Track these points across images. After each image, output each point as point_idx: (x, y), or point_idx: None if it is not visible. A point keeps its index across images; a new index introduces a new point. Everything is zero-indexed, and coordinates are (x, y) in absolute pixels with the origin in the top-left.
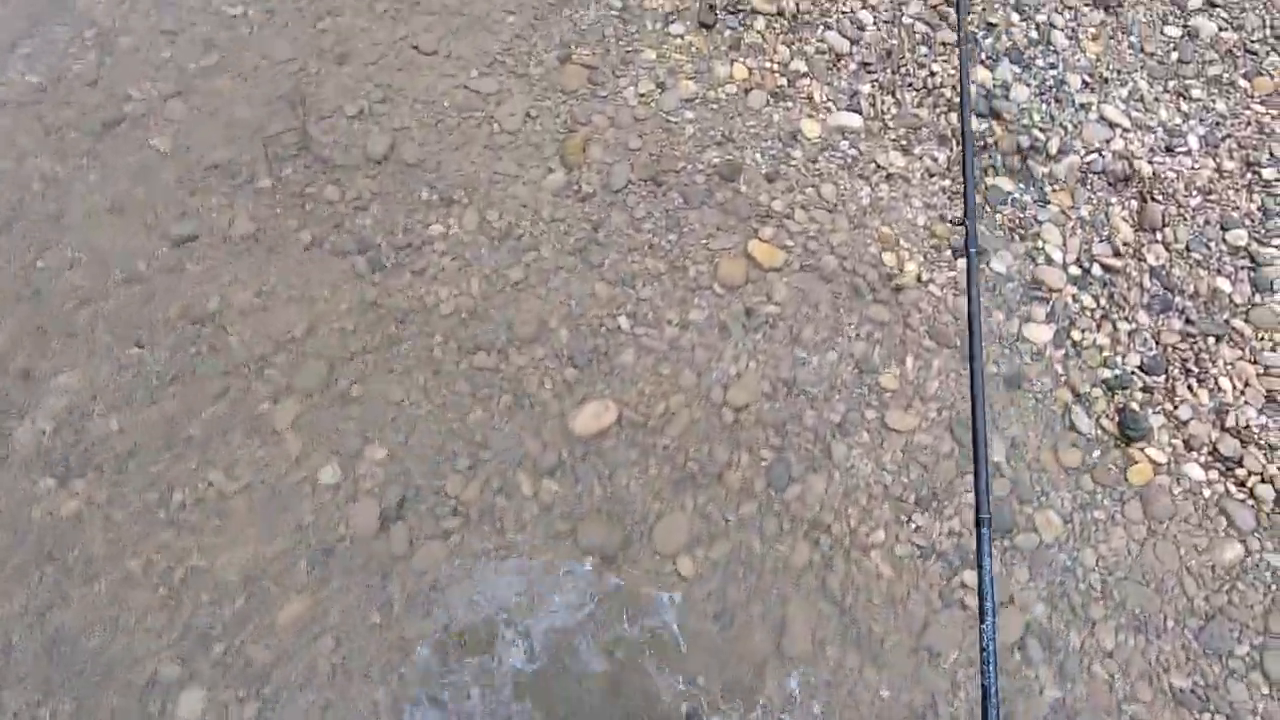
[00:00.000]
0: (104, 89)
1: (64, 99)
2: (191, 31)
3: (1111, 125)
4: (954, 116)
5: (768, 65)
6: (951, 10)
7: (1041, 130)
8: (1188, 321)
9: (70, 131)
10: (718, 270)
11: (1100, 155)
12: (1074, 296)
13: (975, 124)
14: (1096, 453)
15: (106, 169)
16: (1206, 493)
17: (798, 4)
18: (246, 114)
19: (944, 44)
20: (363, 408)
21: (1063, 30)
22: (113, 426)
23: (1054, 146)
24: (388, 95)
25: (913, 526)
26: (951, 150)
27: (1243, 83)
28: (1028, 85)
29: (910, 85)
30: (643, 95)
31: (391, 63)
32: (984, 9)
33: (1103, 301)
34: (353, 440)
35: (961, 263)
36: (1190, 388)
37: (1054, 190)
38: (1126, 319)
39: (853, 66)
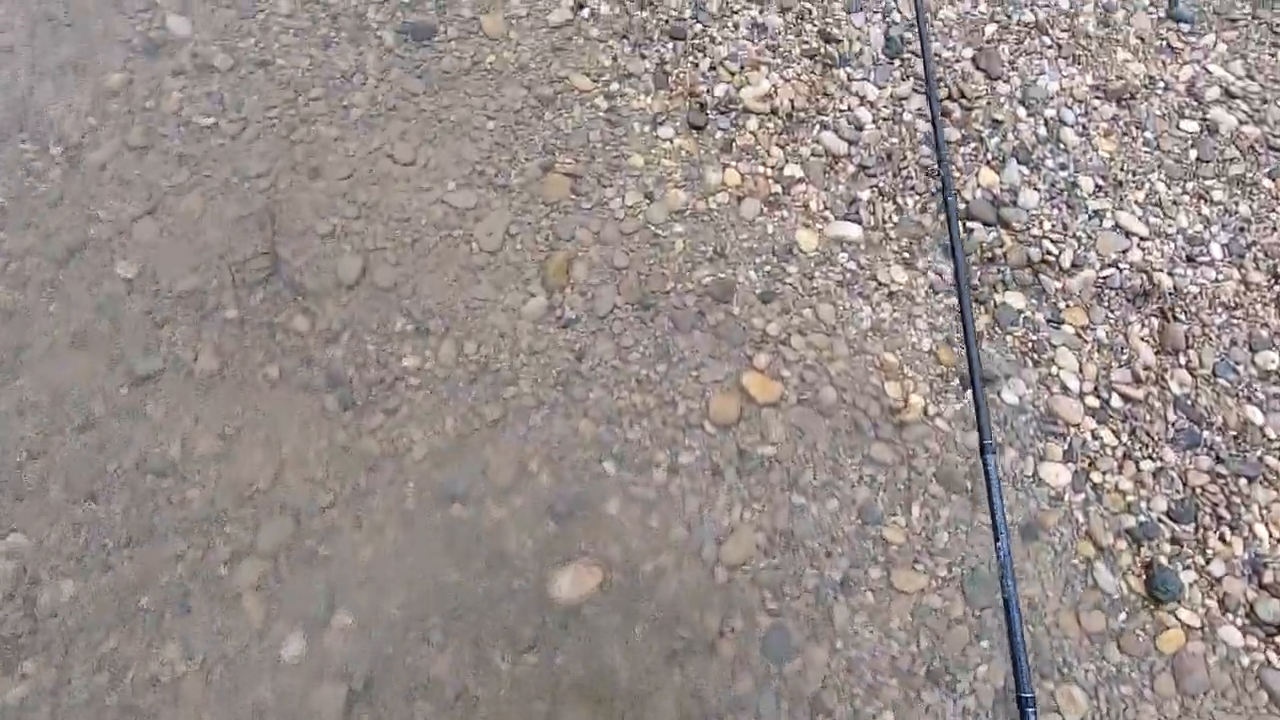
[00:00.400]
0: (69, 209)
1: (26, 221)
2: (163, 145)
3: (1128, 234)
4: (959, 224)
5: (761, 170)
6: (956, 106)
7: (1053, 241)
8: (1217, 459)
9: (31, 258)
10: (709, 406)
11: (1117, 269)
12: (1093, 432)
13: (982, 233)
14: (1123, 616)
15: (70, 299)
16: (1244, 661)
17: (792, 102)
18: (216, 236)
19: (948, 142)
20: (330, 570)
21: (1073, 126)
22: (64, 595)
23: (1067, 259)
24: (362, 212)
25: (923, 706)
26: (957, 261)
27: (1267, 183)
28: (1037, 189)
29: (913, 189)
30: (630, 207)
31: (365, 176)
32: (989, 104)
33: (1124, 437)
34: (320, 606)
35: (971, 393)
36: (1223, 537)
37: (1068, 307)
38: (1151, 457)
39: (851, 169)
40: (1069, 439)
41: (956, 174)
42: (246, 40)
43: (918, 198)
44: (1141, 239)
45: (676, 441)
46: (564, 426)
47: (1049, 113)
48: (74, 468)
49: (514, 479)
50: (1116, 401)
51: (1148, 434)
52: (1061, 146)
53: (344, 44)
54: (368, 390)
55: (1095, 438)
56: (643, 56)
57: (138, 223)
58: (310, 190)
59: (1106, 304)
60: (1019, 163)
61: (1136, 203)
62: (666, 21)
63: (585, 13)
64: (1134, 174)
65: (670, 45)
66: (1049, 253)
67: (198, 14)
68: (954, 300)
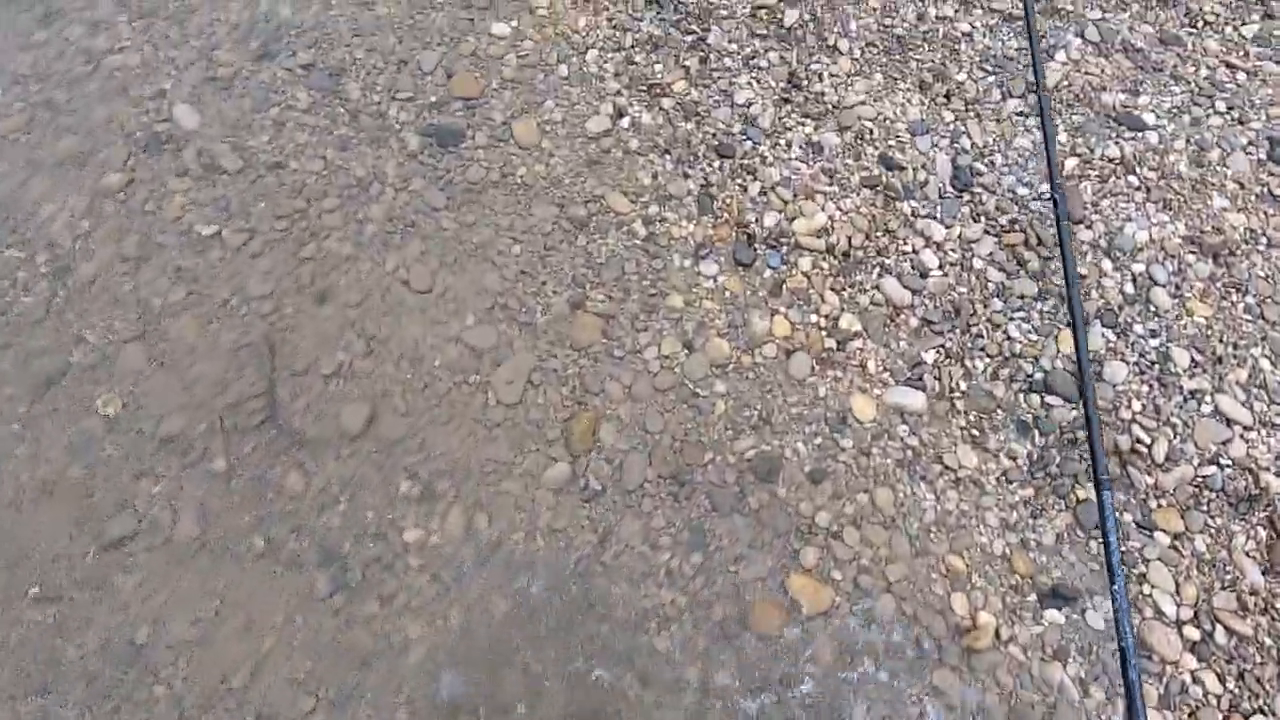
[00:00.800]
0: (53, 328)
1: (5, 341)
2: (160, 258)
3: (1229, 421)
4: (1036, 397)
5: (814, 320)
6: (1031, 255)
7: (1145, 427)
8: None
9: (5, 387)
10: (750, 613)
11: (1218, 465)
12: (1194, 674)
13: (1063, 411)
14: None
15: (42, 439)
16: None
17: (850, 239)
18: (209, 369)
19: (1022, 297)
20: None
21: (1165, 286)
22: None
23: (1161, 450)
24: (371, 347)
25: None
26: (1034, 444)
27: None
28: (1125, 361)
29: (983, 350)
30: (666, 358)
31: (378, 304)
32: (1059, 264)
33: (1230, 683)
34: None
35: (1051, 613)
36: None
37: (1160, 508)
38: (1263, 709)
39: (914, 323)
40: (1165, 679)
41: (1033, 337)
42: (259, 137)
43: (988, 361)
44: (1245, 428)
45: (710, 656)
46: (582, 629)
47: (1137, 267)
48: (26, 651)
49: (523, 692)
50: (1221, 635)
51: (1259, 680)
52: (1152, 309)
53: (363, 146)
54: (363, 569)
55: (1196, 681)
56: (686, 175)
57: (126, 348)
58: (316, 318)
59: (1206, 508)
60: (1104, 326)
61: (1238, 383)
62: (714, 135)
63: (625, 122)
64: (1234, 347)
65: (717, 164)
66: (1139, 440)
67: (208, 104)
68: (1029, 493)
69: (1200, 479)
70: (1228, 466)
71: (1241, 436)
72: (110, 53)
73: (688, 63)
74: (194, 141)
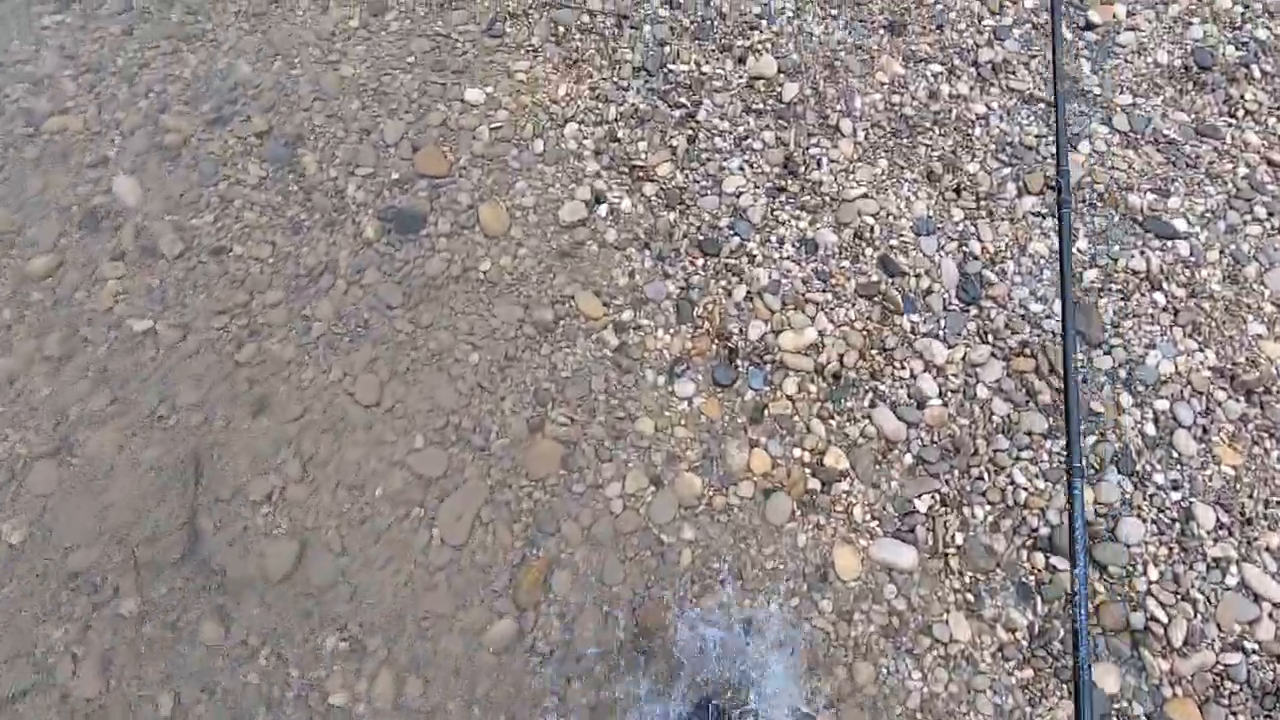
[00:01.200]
0: None
1: None
2: (84, 356)
3: (1257, 598)
4: (1040, 555)
5: (797, 454)
6: (1042, 385)
7: (1161, 602)
8: None
9: None
10: None
11: (1242, 652)
12: None
13: (1069, 576)
14: None
15: None
16: None
17: (841, 358)
18: (128, 490)
19: (1030, 434)
20: None
21: (1190, 429)
22: None
23: (1179, 633)
24: (308, 470)
25: None
26: (1036, 613)
27: None
28: (1143, 517)
29: (983, 496)
30: (631, 496)
31: (318, 419)
32: (1085, 385)
33: None
34: None
35: None
36: None
37: (1175, 698)
38: None
39: (908, 461)
40: None
41: (1039, 484)
42: (203, 216)
43: (988, 509)
44: (1275, 605)
45: None
46: None
47: (1160, 405)
48: None
49: None
50: None
51: None
52: (1175, 456)
53: (316, 230)
54: None
55: None
56: (666, 275)
57: (37, 465)
58: (249, 432)
59: (1227, 701)
60: (1120, 473)
61: (1268, 550)
62: (698, 229)
63: (603, 209)
64: (1266, 505)
65: (700, 262)
66: (1155, 618)
67: (151, 176)
68: (1028, 674)
69: (1222, 667)
70: (1254, 653)
71: (1270, 616)
72: (53, 114)
73: (675, 141)
74: (133, 219)
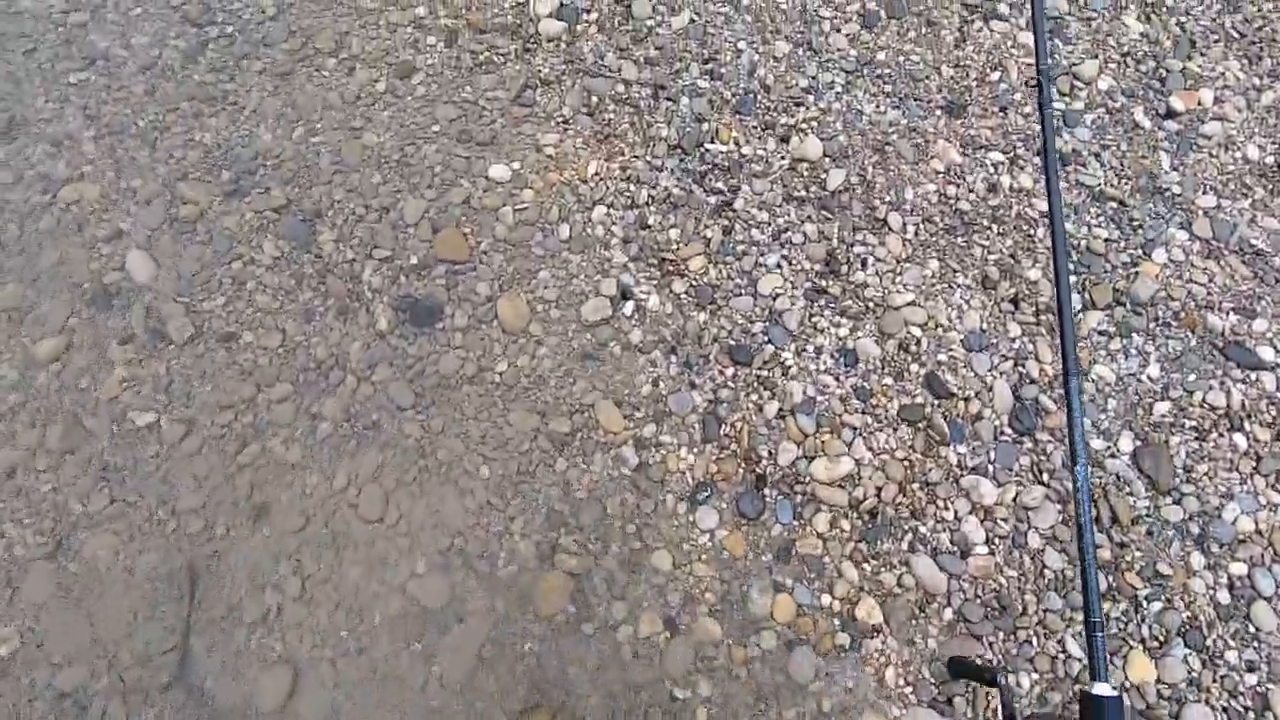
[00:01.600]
0: None
1: None
2: (87, 450)
3: None
4: None
5: (825, 603)
6: (1102, 536)
7: None
8: None
9: None
10: None
11: None
12: None
13: None
14: None
15: None
16: None
17: (879, 492)
18: (121, 605)
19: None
20: None
21: (1270, 600)
22: None
23: None
24: (306, 588)
25: None
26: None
27: None
28: (1211, 703)
29: (1031, 663)
30: (643, 640)
31: (320, 532)
32: (1153, 540)
33: None
34: None
35: None
36: None
37: None
38: None
39: (947, 617)
40: None
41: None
42: (214, 299)
43: (1036, 678)
44: None
45: None
46: None
47: (1236, 569)
48: None
49: None
50: None
51: None
52: (1251, 632)
53: (329, 317)
54: None
55: None
56: (693, 385)
57: (33, 568)
58: (249, 542)
59: None
60: (1187, 647)
61: None
62: (729, 333)
63: (629, 307)
64: None
65: (730, 372)
66: None
67: (165, 252)
68: None
69: None
70: None
71: None
72: (70, 180)
73: (709, 232)
74: (143, 298)
